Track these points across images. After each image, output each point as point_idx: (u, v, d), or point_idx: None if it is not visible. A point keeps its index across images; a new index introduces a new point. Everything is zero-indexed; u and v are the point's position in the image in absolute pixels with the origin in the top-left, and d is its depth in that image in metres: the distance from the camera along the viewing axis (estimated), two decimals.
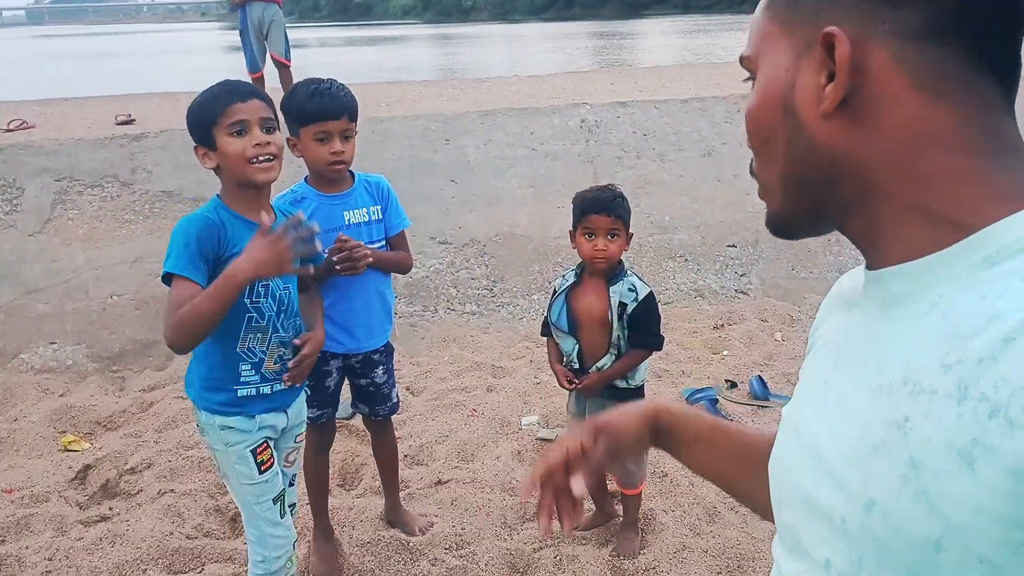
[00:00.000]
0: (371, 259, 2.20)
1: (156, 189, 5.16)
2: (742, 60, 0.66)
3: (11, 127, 6.05)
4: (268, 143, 1.77)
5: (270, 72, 6.95)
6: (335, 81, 2.23)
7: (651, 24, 43.17)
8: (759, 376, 3.51)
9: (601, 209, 2.29)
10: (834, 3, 0.58)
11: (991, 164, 0.55)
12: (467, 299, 4.64)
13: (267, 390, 1.89)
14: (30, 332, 4.08)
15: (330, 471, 2.65)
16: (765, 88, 0.62)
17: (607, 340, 2.35)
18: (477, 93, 8.01)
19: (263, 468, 1.89)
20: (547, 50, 23.24)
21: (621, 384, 2.40)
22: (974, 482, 0.47)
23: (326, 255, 2.14)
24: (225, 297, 1.69)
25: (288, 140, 2.15)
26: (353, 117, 2.22)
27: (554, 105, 6.58)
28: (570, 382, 2.39)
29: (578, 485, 0.86)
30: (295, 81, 3.01)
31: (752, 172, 0.67)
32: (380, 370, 2.47)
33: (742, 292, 4.80)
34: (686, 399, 3.39)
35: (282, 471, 1.99)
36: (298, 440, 2.08)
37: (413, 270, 4.62)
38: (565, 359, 2.44)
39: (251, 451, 1.87)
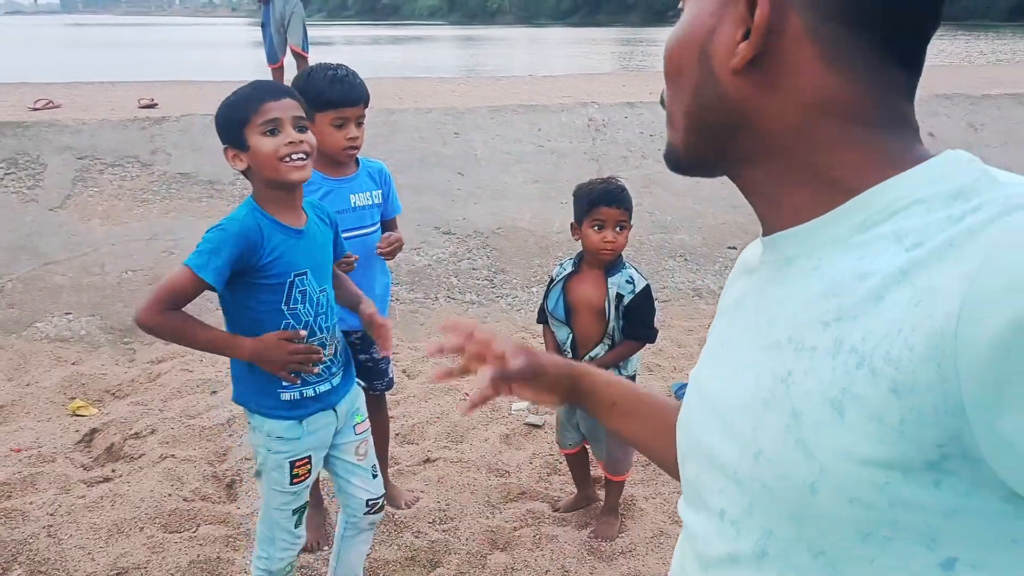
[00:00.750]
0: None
1: (174, 171, 5.29)
2: None
3: (37, 106, 6.19)
4: (301, 142, 1.71)
5: (289, 64, 7.12)
6: (348, 68, 2.30)
7: None
8: None
9: (611, 201, 2.30)
10: None
11: (883, 135, 0.58)
12: (467, 289, 4.70)
13: (311, 392, 1.85)
14: (46, 302, 4.20)
15: None
16: (687, 27, 0.63)
17: (601, 330, 2.37)
18: (489, 90, 8.08)
19: (295, 480, 1.87)
20: (569, 55, 23.21)
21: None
22: (845, 429, 0.51)
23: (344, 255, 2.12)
24: (216, 350, 1.80)
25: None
26: (367, 104, 2.31)
27: (563, 103, 6.64)
28: None
29: (485, 375, 0.91)
30: None
31: (662, 102, 0.68)
32: None
33: None
34: (674, 392, 3.46)
35: (358, 466, 2.01)
36: (359, 432, 2.02)
37: (416, 258, 4.75)
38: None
39: (290, 462, 1.86)
